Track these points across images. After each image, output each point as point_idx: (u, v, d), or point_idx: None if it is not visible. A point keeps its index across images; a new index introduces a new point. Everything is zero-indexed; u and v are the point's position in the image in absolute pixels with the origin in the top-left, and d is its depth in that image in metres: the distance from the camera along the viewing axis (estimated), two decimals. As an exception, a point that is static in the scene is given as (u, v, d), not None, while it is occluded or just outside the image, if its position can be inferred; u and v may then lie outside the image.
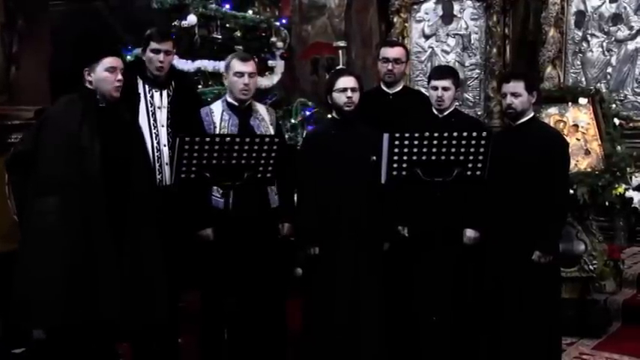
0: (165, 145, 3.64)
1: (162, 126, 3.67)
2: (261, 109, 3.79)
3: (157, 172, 3.61)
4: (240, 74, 3.59)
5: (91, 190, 3.04)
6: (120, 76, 3.16)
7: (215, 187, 3.53)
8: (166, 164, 3.61)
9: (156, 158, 3.62)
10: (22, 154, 3.11)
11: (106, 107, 3.19)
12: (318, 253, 3.60)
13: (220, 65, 5.11)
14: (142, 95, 3.65)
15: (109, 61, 3.14)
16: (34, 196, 3.04)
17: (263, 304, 3.65)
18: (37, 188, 3.03)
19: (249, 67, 3.64)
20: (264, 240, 3.64)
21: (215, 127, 3.59)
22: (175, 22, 5.05)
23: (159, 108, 3.68)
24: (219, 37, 5.26)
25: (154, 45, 3.62)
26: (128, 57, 4.76)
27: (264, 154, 3.25)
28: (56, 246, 2.99)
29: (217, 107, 3.68)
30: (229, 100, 3.67)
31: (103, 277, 3.03)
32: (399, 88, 4.13)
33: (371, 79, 4.32)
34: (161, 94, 3.70)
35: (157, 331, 3.53)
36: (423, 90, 6.41)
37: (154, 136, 3.64)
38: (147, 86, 3.67)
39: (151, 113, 3.66)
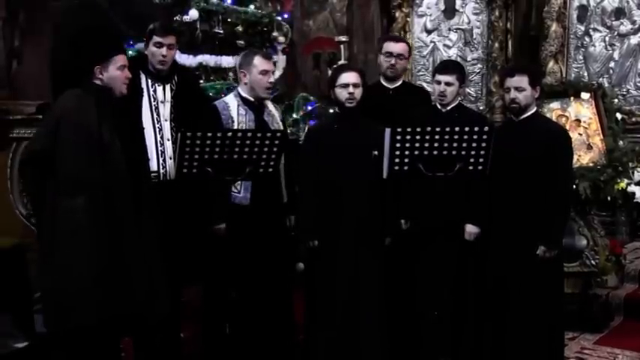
0: (168, 140, 3.65)
1: (166, 120, 3.67)
2: (269, 104, 3.82)
3: (161, 167, 3.61)
4: (266, 72, 3.64)
5: (119, 187, 3.05)
6: (128, 73, 3.18)
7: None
8: (170, 159, 3.61)
9: (159, 152, 3.62)
10: (40, 153, 3.05)
11: (116, 103, 3.19)
12: (317, 245, 3.61)
13: (222, 60, 5.14)
14: (144, 90, 3.65)
15: (121, 60, 3.15)
16: (58, 196, 3.01)
17: (271, 298, 3.66)
18: (62, 187, 3.01)
19: (272, 65, 3.72)
20: (275, 234, 3.68)
21: (233, 122, 3.61)
22: (177, 17, 5.04)
23: (162, 102, 3.68)
24: (221, 31, 5.25)
25: (156, 39, 3.62)
26: (130, 52, 4.75)
27: (266, 149, 3.25)
28: (89, 245, 2.99)
29: (232, 102, 3.69)
30: (245, 95, 3.68)
31: (135, 273, 3.06)
32: (398, 83, 4.15)
33: (373, 74, 4.30)
34: (164, 89, 3.70)
35: (159, 325, 3.54)
36: (425, 85, 6.47)
37: (157, 130, 3.64)
38: (150, 81, 3.67)
39: (154, 107, 3.66)
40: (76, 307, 2.98)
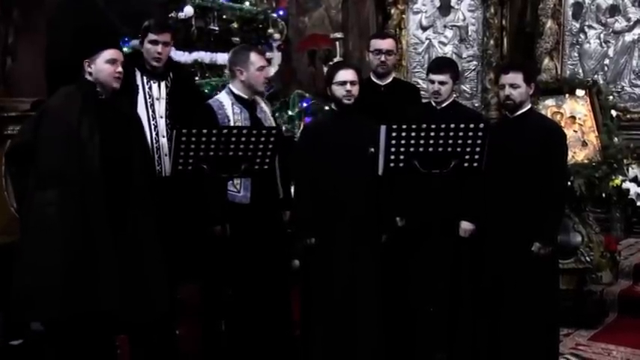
0: (164, 137, 3.65)
1: (161, 117, 3.67)
2: (261, 101, 3.82)
3: (156, 164, 3.61)
4: (263, 67, 3.65)
5: (91, 184, 3.04)
6: (120, 69, 3.16)
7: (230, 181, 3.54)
8: (165, 155, 3.61)
9: (155, 149, 3.62)
10: (21, 146, 3.09)
11: (105, 99, 3.18)
12: (314, 243, 3.61)
13: (217, 57, 5.13)
14: (140, 87, 3.65)
15: (109, 54, 3.13)
16: (34, 189, 3.03)
17: (270, 295, 3.67)
18: (38, 181, 3.03)
19: (265, 60, 3.74)
20: (273, 231, 3.69)
21: (229, 120, 3.60)
22: (172, 14, 5.03)
23: (157, 99, 3.68)
24: (216, 28, 5.26)
25: (152, 36, 3.62)
26: (125, 49, 4.74)
27: (261, 146, 3.25)
28: (56, 238, 2.99)
29: (226, 100, 3.67)
30: (237, 92, 3.67)
31: (102, 270, 3.04)
32: (389, 79, 4.15)
33: (368, 71, 4.30)
34: (159, 86, 3.70)
35: (155, 322, 3.54)
36: (420, 82, 6.48)
37: (152, 127, 3.64)
38: (145, 78, 3.67)
39: (149, 104, 3.66)
40: (40, 302, 2.98)
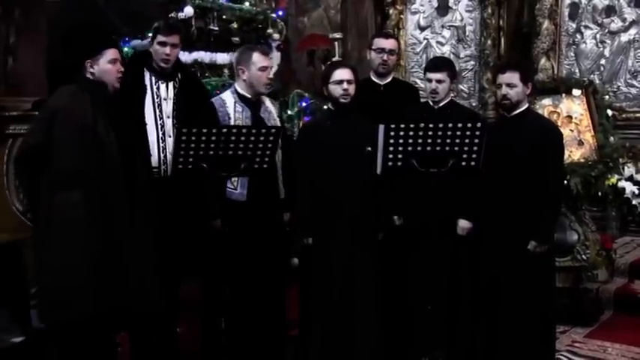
0: (170, 136, 3.66)
1: (168, 117, 3.70)
2: (267, 100, 3.85)
3: (162, 163, 3.64)
4: (265, 68, 3.67)
5: (111, 181, 3.08)
6: (120, 67, 3.20)
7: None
8: (171, 155, 3.63)
9: (161, 149, 3.65)
10: (34, 148, 3.09)
11: (109, 98, 3.22)
12: (312, 243, 3.63)
13: (217, 57, 5.16)
14: (148, 87, 3.68)
15: (111, 53, 3.18)
16: (53, 189, 3.05)
17: (265, 294, 3.69)
18: (57, 181, 3.04)
19: (270, 60, 3.76)
20: (271, 230, 3.71)
21: (230, 119, 3.63)
22: (172, 14, 5.06)
23: (165, 99, 3.71)
24: (216, 28, 5.28)
25: (160, 38, 3.66)
26: (125, 49, 4.78)
27: (260, 145, 3.28)
28: (83, 238, 3.02)
29: (229, 98, 3.70)
30: (241, 92, 3.70)
31: (129, 266, 3.08)
32: (389, 79, 4.19)
33: (367, 71, 4.34)
34: (167, 86, 3.73)
35: (155, 320, 3.57)
36: (418, 82, 6.51)
37: (159, 127, 3.67)
38: (153, 78, 3.70)
39: (156, 104, 3.68)
40: (72, 303, 3.01)
